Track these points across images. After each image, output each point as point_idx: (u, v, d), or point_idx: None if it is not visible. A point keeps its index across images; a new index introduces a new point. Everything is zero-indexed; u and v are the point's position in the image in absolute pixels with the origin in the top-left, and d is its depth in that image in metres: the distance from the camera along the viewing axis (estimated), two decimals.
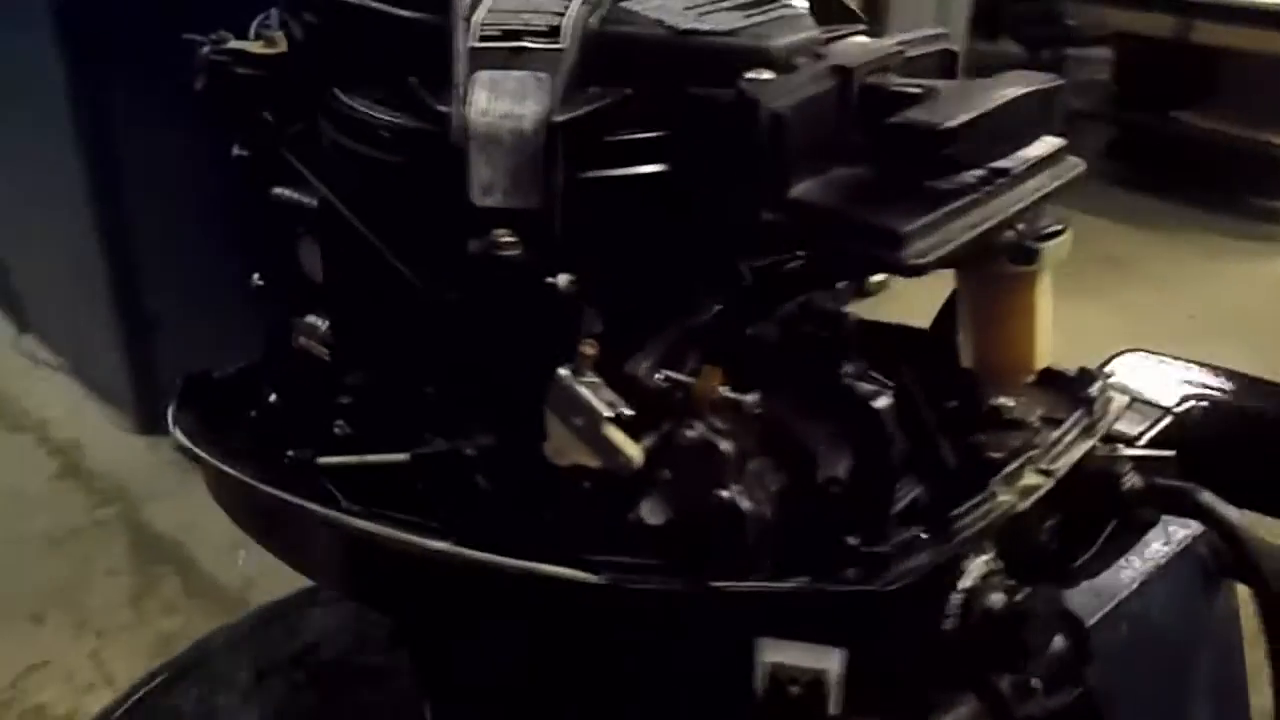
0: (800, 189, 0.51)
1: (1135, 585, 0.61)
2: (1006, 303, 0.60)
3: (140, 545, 2.52)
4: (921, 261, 0.49)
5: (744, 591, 0.52)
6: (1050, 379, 0.63)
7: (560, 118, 0.53)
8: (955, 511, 0.54)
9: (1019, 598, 0.55)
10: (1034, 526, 0.60)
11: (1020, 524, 0.57)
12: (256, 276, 0.74)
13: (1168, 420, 0.67)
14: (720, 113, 0.52)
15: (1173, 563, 0.61)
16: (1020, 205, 0.53)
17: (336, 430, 0.67)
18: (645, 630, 0.55)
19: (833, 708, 0.52)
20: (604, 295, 0.57)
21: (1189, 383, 0.70)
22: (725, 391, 0.54)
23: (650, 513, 0.55)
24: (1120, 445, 0.62)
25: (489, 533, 0.59)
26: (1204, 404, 0.67)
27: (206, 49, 0.69)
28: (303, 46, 0.64)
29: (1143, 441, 0.65)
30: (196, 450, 0.70)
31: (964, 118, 0.49)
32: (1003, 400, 0.62)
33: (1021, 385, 0.62)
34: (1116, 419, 0.62)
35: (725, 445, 0.54)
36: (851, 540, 0.52)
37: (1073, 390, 0.63)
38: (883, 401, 0.54)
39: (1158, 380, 0.70)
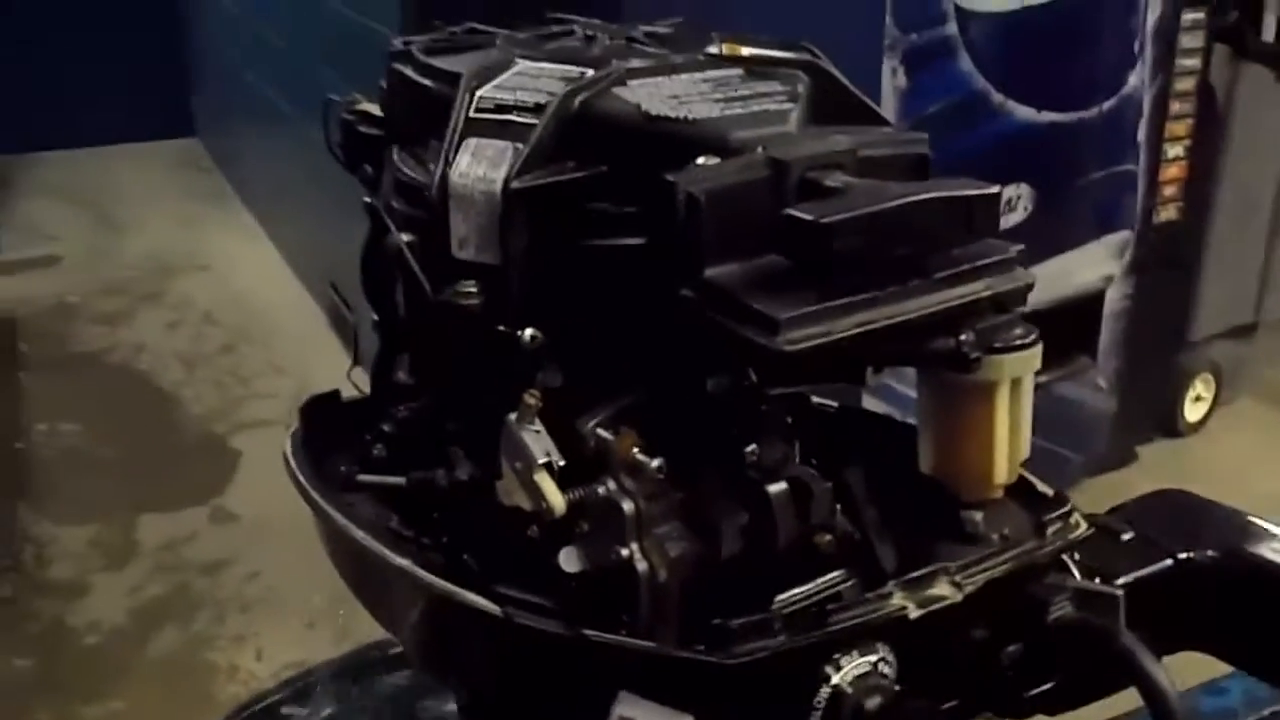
0: (714, 270, 0.54)
1: None
2: (960, 413, 0.59)
3: None
4: (794, 349, 0.50)
5: (607, 643, 0.55)
6: (1026, 496, 0.62)
7: (516, 184, 0.58)
8: (833, 605, 0.54)
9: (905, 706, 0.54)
10: (961, 643, 0.59)
11: (930, 635, 0.56)
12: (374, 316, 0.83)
13: (1166, 564, 0.63)
14: (654, 193, 0.55)
15: None
16: (932, 309, 0.53)
17: (375, 452, 0.74)
18: (539, 669, 0.59)
19: None
20: (567, 353, 0.61)
21: (1215, 531, 0.66)
22: (637, 454, 0.57)
23: (567, 560, 0.58)
24: (1073, 577, 0.59)
25: (451, 558, 0.64)
26: (1217, 553, 0.63)
27: (340, 108, 0.78)
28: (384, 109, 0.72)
29: (1124, 581, 0.62)
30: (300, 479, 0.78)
31: (847, 215, 0.50)
32: (969, 512, 0.62)
33: (988, 497, 0.61)
34: (1067, 548, 0.60)
35: (628, 505, 0.57)
36: (714, 617, 0.54)
37: (1039, 512, 0.61)
38: (775, 488, 0.55)
39: (1178, 523, 0.66)
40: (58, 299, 4.35)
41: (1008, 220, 2.61)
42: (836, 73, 0.65)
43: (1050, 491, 0.62)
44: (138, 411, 3.67)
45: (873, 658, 0.55)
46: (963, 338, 0.56)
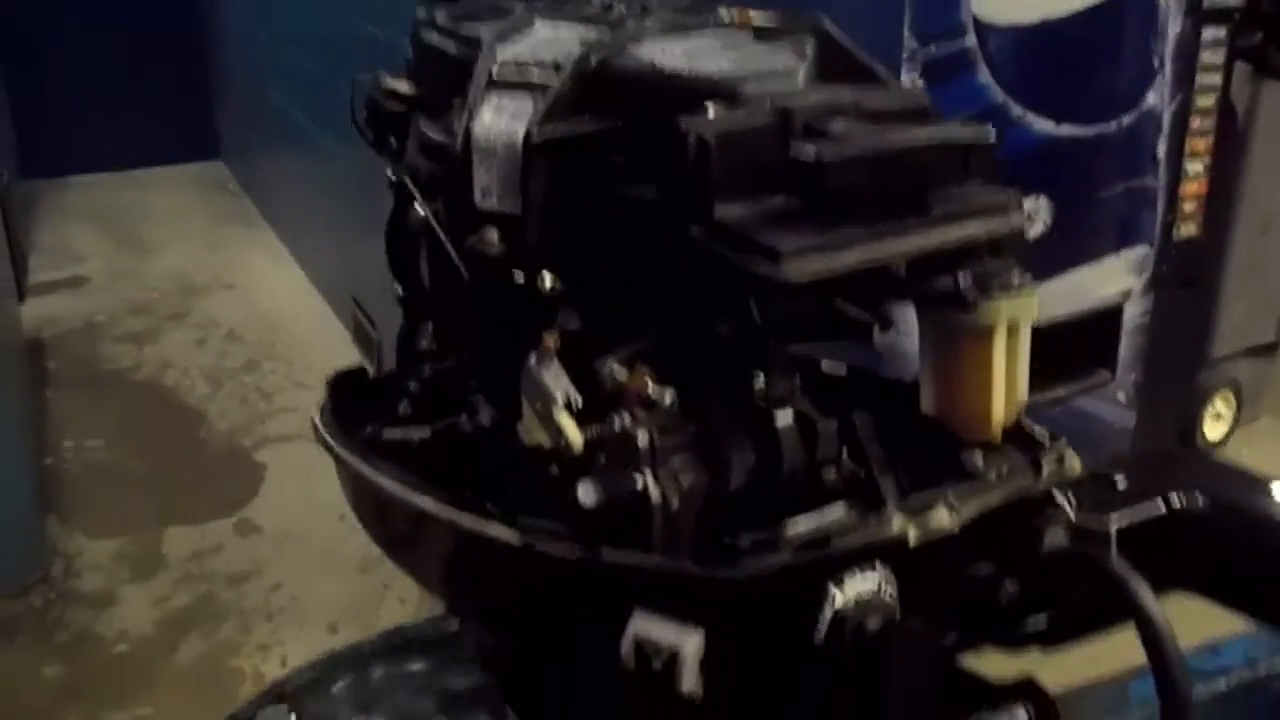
0: (723, 210, 0.57)
1: None
2: (959, 355, 0.62)
3: None
4: (796, 279, 0.53)
5: (623, 563, 0.57)
6: (1024, 440, 0.64)
7: (537, 135, 0.61)
8: (837, 528, 0.57)
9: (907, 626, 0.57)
10: (963, 573, 0.61)
11: (929, 562, 0.59)
12: (398, 287, 0.86)
13: (1160, 511, 0.65)
14: (666, 139, 0.58)
15: None
16: (929, 247, 0.56)
17: (401, 410, 0.77)
18: (558, 596, 0.61)
19: (686, 684, 0.56)
20: (586, 298, 0.65)
21: (1209, 481, 0.68)
22: (650, 389, 0.60)
23: (584, 493, 0.61)
24: (1068, 514, 0.62)
25: (473, 497, 0.67)
26: (1210, 503, 0.65)
27: (366, 85, 0.82)
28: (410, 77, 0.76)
29: (1117, 524, 0.64)
30: (326, 438, 0.81)
31: (846, 153, 0.53)
32: (969, 452, 0.64)
33: (987, 439, 0.64)
34: (1061, 485, 0.62)
35: (642, 437, 0.59)
36: (725, 538, 0.56)
37: (1035, 453, 0.63)
38: (782, 418, 0.58)
39: (1173, 473, 0.68)
40: (85, 319, 4.42)
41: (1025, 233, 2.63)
42: (843, 36, 0.68)
43: (1047, 436, 0.65)
44: (164, 427, 3.72)
45: (874, 581, 0.57)
46: (960, 279, 0.58)
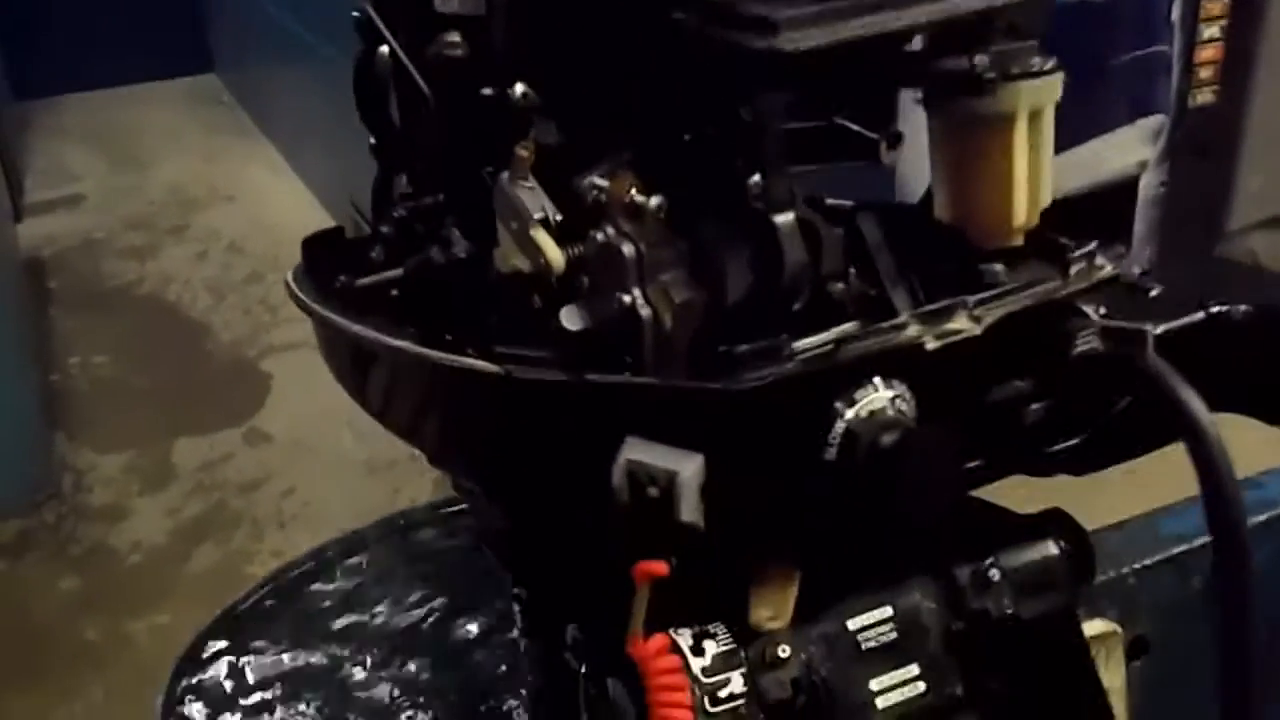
0: None
1: None
2: (976, 149, 0.56)
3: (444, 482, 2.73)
4: (794, 49, 0.48)
5: (611, 385, 0.52)
6: (1045, 247, 0.59)
7: None
8: (847, 335, 0.52)
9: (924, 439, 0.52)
10: (986, 388, 0.56)
11: (949, 373, 0.54)
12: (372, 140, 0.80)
13: (1198, 317, 0.60)
14: None
15: None
16: (940, 17, 0.50)
17: (374, 255, 0.72)
18: (544, 428, 0.56)
19: (685, 513, 0.51)
20: (561, 107, 0.59)
21: (1248, 285, 0.62)
22: (635, 195, 0.54)
23: (569, 318, 0.56)
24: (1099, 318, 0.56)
25: (451, 335, 0.62)
26: (1250, 307, 0.60)
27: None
28: None
29: (1155, 331, 0.58)
30: (298, 293, 0.77)
31: None
32: (991, 264, 0.59)
33: (1007, 244, 0.58)
34: (1090, 286, 0.57)
35: (628, 249, 0.54)
36: (722, 347, 0.51)
37: (1061, 257, 0.58)
38: (783, 218, 0.52)
39: (1209, 279, 0.63)
40: (84, 237, 4.36)
41: None
42: None
43: (1072, 242, 0.59)
44: (168, 341, 3.68)
45: (888, 393, 0.52)
46: (976, 58, 0.53)
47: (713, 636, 0.57)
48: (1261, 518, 0.84)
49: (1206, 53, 3.09)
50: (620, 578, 0.54)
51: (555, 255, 0.56)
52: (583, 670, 0.59)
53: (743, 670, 0.56)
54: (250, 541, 2.77)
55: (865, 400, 0.52)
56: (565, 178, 0.58)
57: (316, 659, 1.01)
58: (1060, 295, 0.56)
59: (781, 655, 0.57)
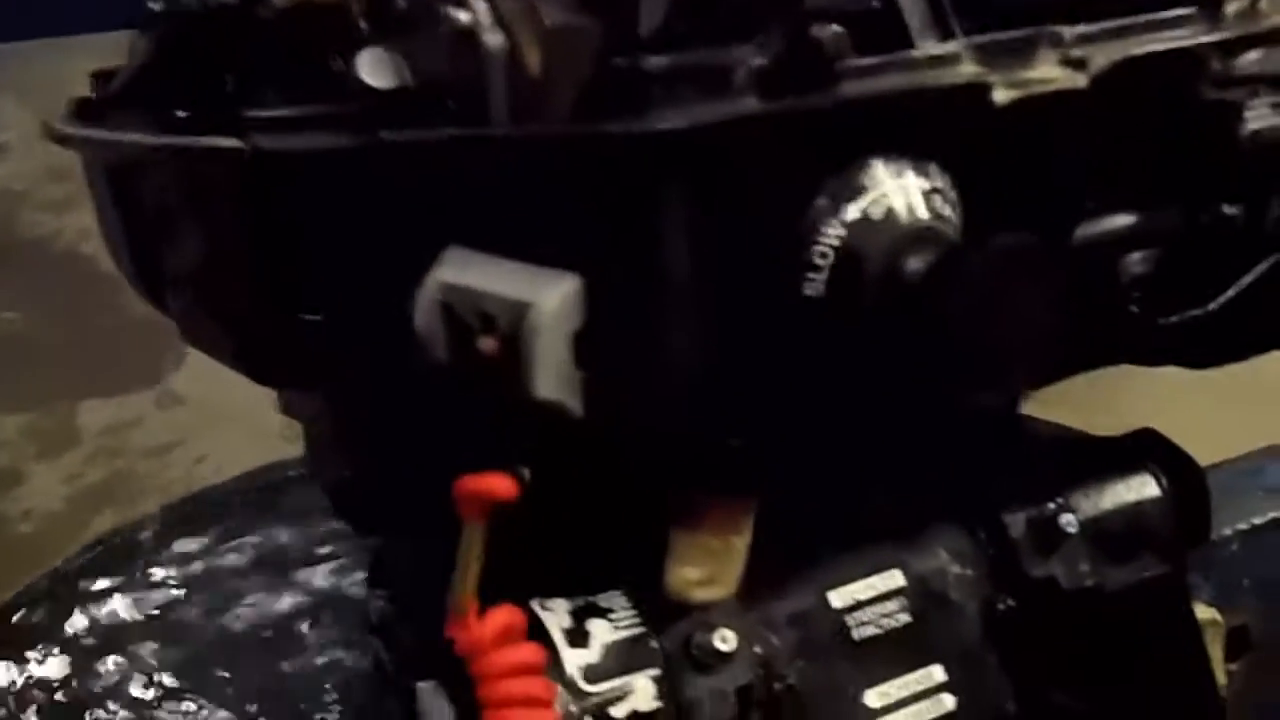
0: None
1: None
2: None
3: None
4: None
5: (418, 146, 0.29)
6: None
7: None
8: (842, 63, 0.28)
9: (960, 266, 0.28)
10: (1079, 190, 0.33)
11: (1021, 156, 0.30)
12: None
13: None
14: None
15: None
16: None
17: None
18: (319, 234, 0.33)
19: (542, 383, 0.28)
20: None
21: None
22: None
23: (369, 68, 0.32)
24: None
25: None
26: None
27: None
28: None
29: None
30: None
31: None
32: None
33: None
34: (1260, 32, 0.33)
35: None
36: (619, 61, 0.28)
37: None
38: None
39: None
40: (1, 187, 4.08)
41: None
42: None
43: None
44: (82, 298, 3.41)
45: (920, 183, 0.29)
46: None
47: (604, 613, 0.33)
48: None
49: None
50: (447, 506, 0.31)
51: None
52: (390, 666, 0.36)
53: (654, 673, 0.33)
54: (156, 508, 2.52)
55: (875, 192, 0.28)
56: None
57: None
58: (1213, 40, 0.33)
59: (722, 648, 0.33)
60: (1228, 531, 0.58)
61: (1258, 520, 0.58)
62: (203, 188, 0.35)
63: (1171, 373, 0.39)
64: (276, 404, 0.60)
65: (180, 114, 0.36)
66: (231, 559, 0.85)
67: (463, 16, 0.31)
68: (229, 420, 2.74)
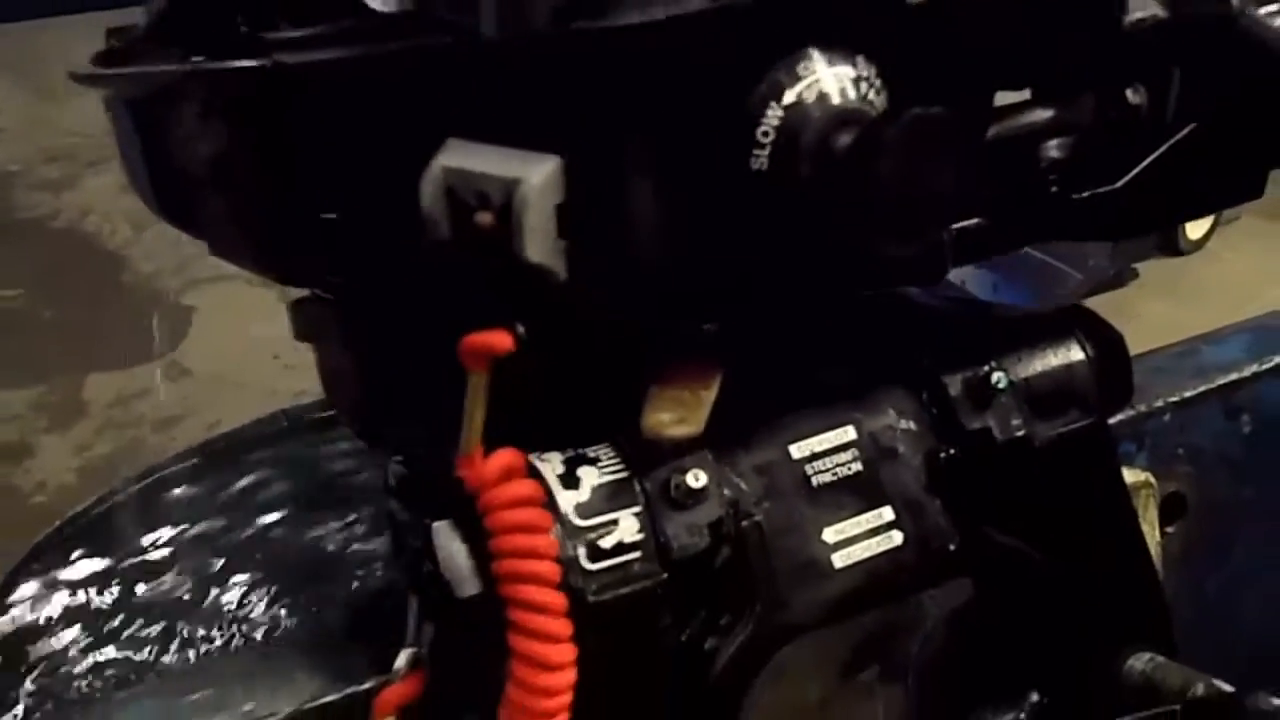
0: None
1: None
2: None
3: None
4: None
5: (412, 49, 0.34)
6: None
7: None
8: None
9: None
10: (988, 77, 0.38)
11: (941, 45, 0.35)
12: None
13: None
14: None
15: None
16: None
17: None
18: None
19: (532, 248, 0.33)
20: None
21: None
22: None
23: None
24: None
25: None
26: None
27: None
28: None
29: None
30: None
31: None
32: None
33: None
34: None
35: None
36: None
37: None
38: None
39: None
40: None
41: None
42: None
43: None
44: (85, 273, 3.46)
45: (850, 71, 0.34)
46: None
47: (592, 461, 0.39)
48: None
49: None
50: (453, 368, 0.36)
51: None
52: (403, 519, 0.41)
53: (637, 509, 0.38)
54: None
55: (810, 79, 0.34)
56: None
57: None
58: None
59: (695, 485, 0.39)
60: (1160, 404, 0.63)
61: (1189, 394, 0.64)
62: (230, 106, 0.40)
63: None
64: (290, 329, 0.65)
65: (203, 44, 0.41)
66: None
67: None
68: (237, 390, 2.80)
